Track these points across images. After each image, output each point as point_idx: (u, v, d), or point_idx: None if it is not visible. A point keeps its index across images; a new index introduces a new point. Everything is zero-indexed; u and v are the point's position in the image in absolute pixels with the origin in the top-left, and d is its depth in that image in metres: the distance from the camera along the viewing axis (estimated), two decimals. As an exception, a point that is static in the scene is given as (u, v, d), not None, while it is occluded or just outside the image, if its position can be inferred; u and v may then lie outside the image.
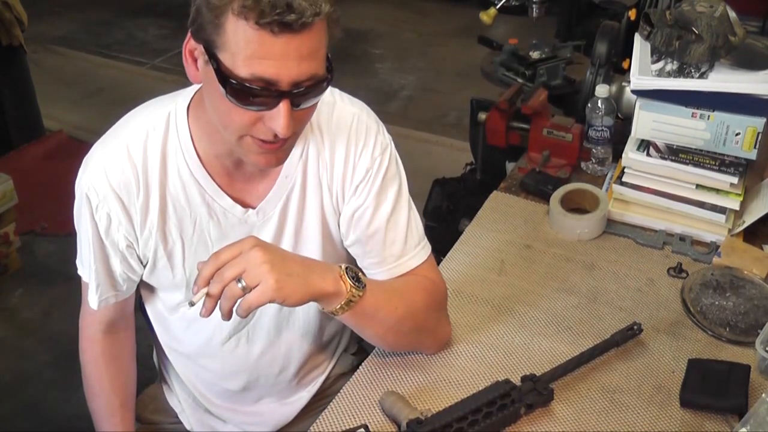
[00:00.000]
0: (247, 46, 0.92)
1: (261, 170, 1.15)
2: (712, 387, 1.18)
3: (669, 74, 1.43)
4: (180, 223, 1.16)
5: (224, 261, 0.99)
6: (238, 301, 0.99)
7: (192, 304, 1.01)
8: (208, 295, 0.99)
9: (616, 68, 1.90)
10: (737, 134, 1.42)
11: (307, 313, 1.28)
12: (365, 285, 1.09)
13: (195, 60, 1.01)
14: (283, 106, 0.96)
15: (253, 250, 1.00)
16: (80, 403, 1.35)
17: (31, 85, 3.45)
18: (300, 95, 0.97)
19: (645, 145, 1.53)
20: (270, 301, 1.00)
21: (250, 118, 0.98)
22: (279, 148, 1.03)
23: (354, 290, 1.07)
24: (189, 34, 0.99)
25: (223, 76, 0.95)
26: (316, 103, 1.03)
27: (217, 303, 1.00)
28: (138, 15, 5.31)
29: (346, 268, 1.08)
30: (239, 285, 0.98)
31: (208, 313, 1.00)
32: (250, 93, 0.95)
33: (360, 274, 1.10)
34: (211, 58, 0.95)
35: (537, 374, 1.18)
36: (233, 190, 1.16)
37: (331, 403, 1.19)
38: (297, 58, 0.94)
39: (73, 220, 1.20)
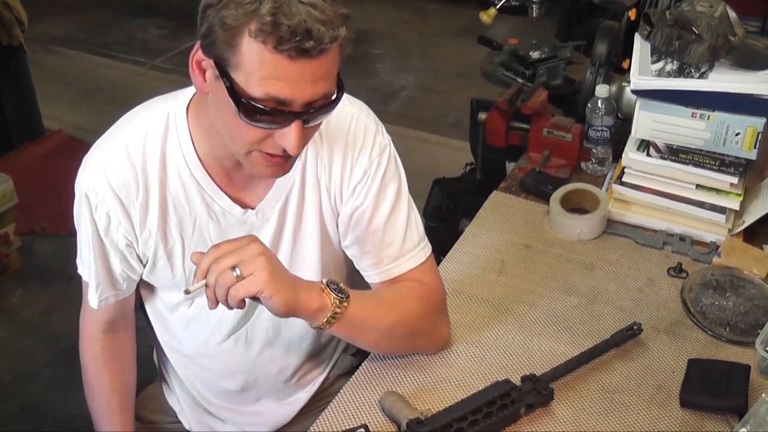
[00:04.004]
0: (262, 68, 0.92)
1: None
2: (712, 387, 1.18)
3: (669, 74, 1.43)
4: (180, 222, 1.16)
5: (223, 252, 1.00)
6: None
7: (188, 291, 1.02)
8: (206, 285, 1.01)
9: (616, 68, 1.90)
10: (737, 134, 1.42)
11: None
12: (349, 296, 1.09)
13: (203, 71, 1.00)
14: (294, 126, 0.97)
15: (252, 244, 1.01)
16: (80, 403, 1.35)
17: (31, 85, 3.45)
18: (312, 114, 0.98)
19: (645, 145, 1.53)
20: (258, 293, 1.00)
21: (260, 135, 0.99)
22: (286, 161, 1.04)
23: (338, 302, 1.07)
24: (197, 46, 0.98)
25: (236, 94, 0.94)
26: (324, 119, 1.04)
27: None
28: (138, 15, 5.30)
29: (328, 282, 1.08)
30: (234, 273, 0.99)
31: (212, 303, 1.02)
32: (262, 112, 0.95)
33: (342, 285, 1.10)
34: (223, 75, 0.95)
35: (537, 374, 1.18)
36: (232, 191, 1.16)
37: (330, 404, 1.19)
38: (311, 81, 0.94)
39: (73, 220, 1.20)
